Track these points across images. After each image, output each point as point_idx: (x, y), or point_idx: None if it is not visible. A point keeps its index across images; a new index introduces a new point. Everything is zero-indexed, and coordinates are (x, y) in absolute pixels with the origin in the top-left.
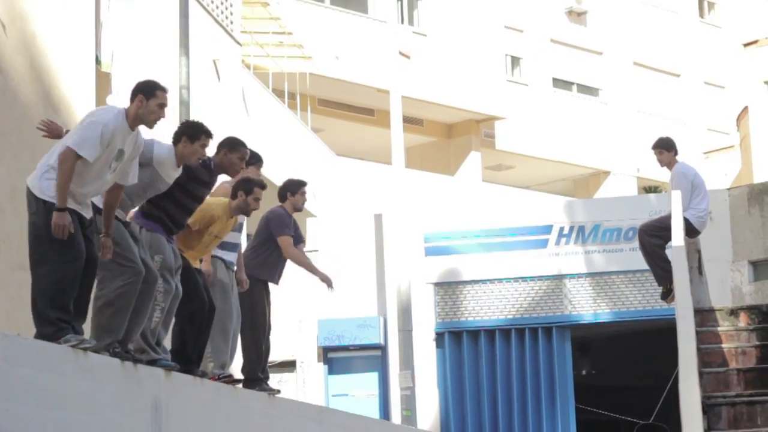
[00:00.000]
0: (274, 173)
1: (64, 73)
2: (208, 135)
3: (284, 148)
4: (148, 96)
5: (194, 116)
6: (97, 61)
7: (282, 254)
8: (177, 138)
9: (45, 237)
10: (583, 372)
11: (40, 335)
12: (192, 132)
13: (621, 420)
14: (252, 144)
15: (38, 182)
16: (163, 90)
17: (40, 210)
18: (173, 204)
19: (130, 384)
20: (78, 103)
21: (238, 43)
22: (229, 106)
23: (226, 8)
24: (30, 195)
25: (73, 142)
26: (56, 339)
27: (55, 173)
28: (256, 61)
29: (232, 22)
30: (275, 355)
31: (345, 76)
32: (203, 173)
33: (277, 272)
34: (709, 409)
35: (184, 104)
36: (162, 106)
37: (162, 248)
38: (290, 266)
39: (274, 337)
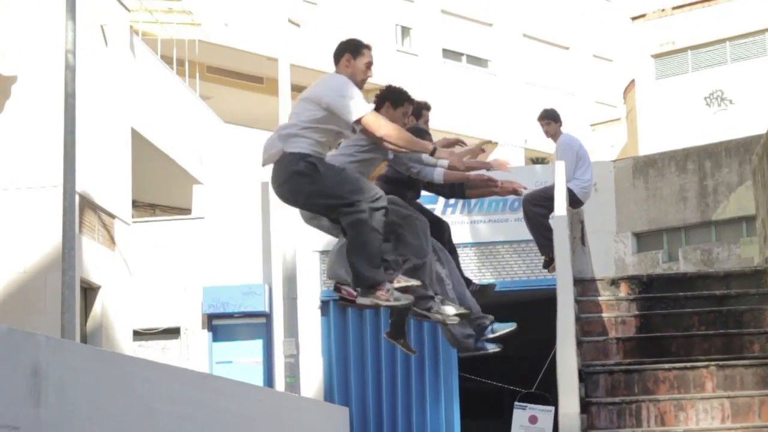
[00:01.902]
0: (162, 141)
1: None
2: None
3: (172, 115)
4: (355, 55)
5: (80, 82)
6: None
7: None
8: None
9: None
10: None
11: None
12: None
13: (504, 389)
14: (139, 111)
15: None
16: (369, 47)
17: (305, 165)
18: None
19: (7, 349)
20: None
21: (126, 8)
22: (117, 72)
23: None
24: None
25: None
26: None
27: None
28: (144, 27)
29: None
30: (159, 322)
31: (234, 44)
32: None
33: None
34: (587, 377)
35: (70, 69)
36: (370, 65)
37: None
38: (175, 235)
39: (158, 305)
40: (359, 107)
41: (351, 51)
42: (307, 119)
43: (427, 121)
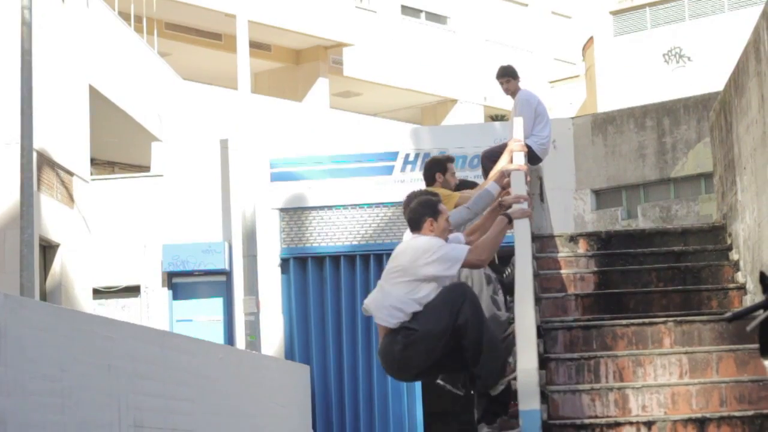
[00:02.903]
0: (121, 98)
1: None
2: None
3: (130, 72)
4: (435, 216)
5: (36, 38)
6: None
7: None
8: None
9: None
10: None
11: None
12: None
13: None
14: (96, 67)
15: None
16: (440, 200)
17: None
18: None
19: None
20: None
21: None
22: (74, 29)
23: None
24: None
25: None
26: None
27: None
28: None
29: None
30: (119, 281)
31: (192, 0)
32: None
33: None
34: (545, 333)
35: (27, 25)
36: (449, 218)
37: None
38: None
39: (118, 263)
40: (459, 260)
41: (430, 214)
42: (417, 299)
43: (453, 173)
